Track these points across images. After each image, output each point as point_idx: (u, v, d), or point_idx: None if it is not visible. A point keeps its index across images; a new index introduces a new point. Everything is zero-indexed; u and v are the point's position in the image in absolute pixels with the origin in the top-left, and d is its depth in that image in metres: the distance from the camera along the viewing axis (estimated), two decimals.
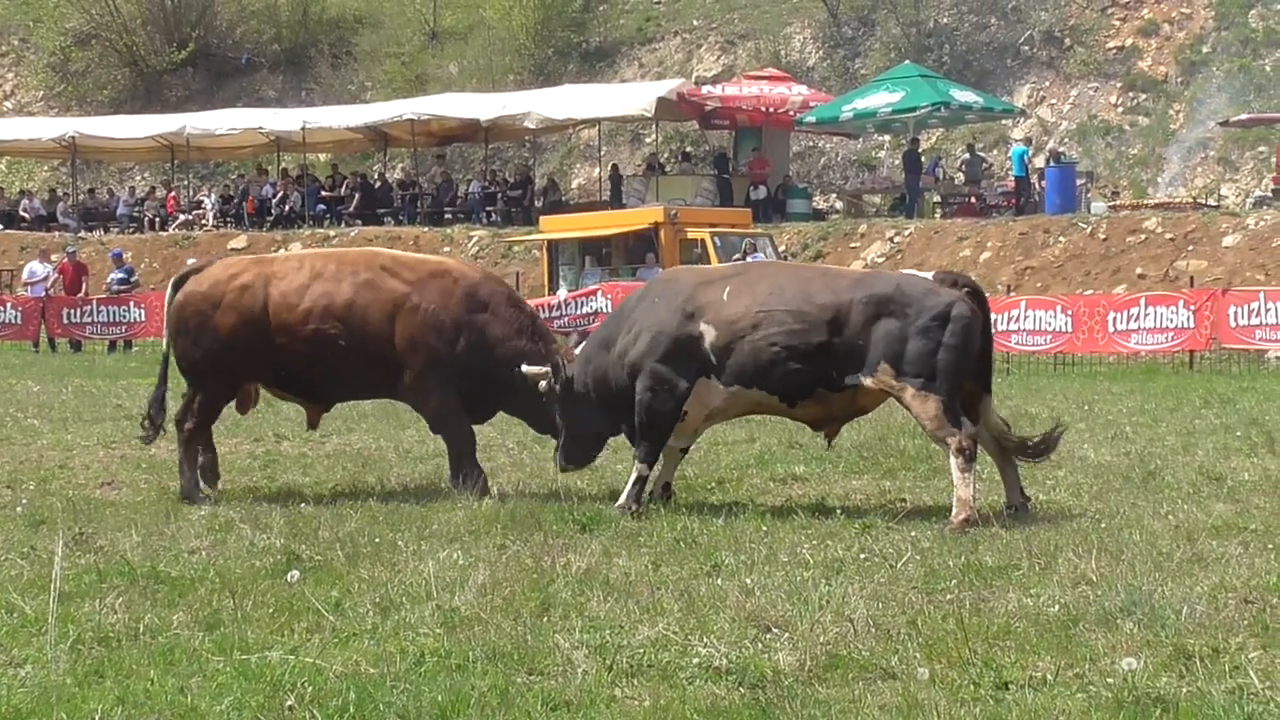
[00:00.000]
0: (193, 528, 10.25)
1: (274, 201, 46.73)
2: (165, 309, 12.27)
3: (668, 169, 45.68)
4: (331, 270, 11.88)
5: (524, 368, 11.42)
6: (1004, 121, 45.01)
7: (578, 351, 11.67)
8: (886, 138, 46.19)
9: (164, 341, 12.42)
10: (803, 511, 10.52)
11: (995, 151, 45.48)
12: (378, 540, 9.58)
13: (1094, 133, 44.78)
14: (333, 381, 12.02)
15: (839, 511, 10.51)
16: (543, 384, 11.35)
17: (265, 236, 44.31)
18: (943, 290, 10.50)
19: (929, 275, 10.86)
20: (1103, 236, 33.28)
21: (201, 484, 12.00)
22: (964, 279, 10.96)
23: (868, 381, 10.41)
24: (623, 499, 10.86)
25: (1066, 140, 44.74)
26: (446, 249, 40.26)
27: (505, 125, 45.18)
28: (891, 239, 36.07)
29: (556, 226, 36.36)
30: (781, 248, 34.83)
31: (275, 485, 12.55)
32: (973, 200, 40.05)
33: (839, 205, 45.28)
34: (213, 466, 12.35)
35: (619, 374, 11.00)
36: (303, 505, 11.12)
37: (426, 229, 43.22)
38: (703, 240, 33.11)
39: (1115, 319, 27.17)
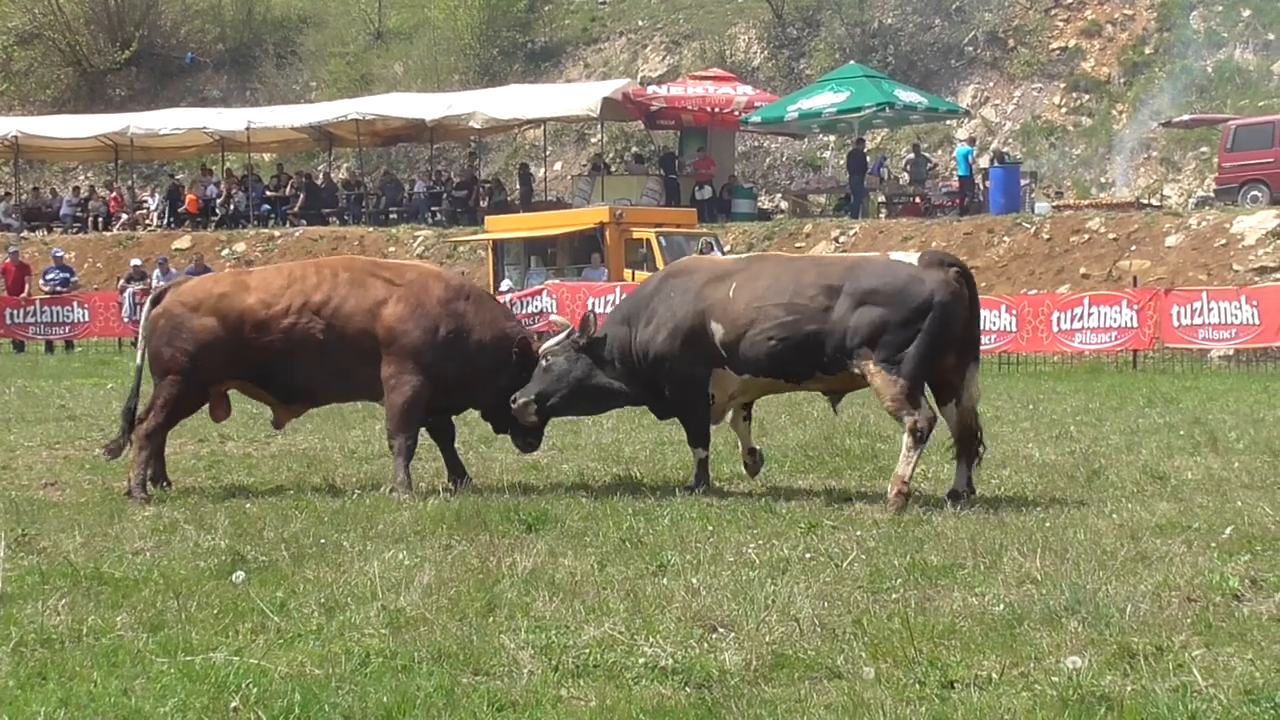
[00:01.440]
0: (137, 529, 10.17)
1: (218, 201, 46.51)
2: (142, 322, 12.34)
3: (613, 169, 45.67)
4: (311, 273, 12.12)
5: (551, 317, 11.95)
6: (948, 122, 45.25)
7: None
8: (831, 138, 46.38)
9: (138, 355, 12.50)
10: (749, 511, 10.53)
11: (940, 152, 45.72)
12: (323, 541, 9.53)
13: (1038, 133, 45.08)
14: (313, 380, 12.13)
15: (785, 511, 10.53)
16: (560, 340, 11.93)
17: (210, 236, 44.12)
18: (927, 275, 10.90)
19: (914, 257, 11.29)
20: (1047, 236, 33.48)
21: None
22: (950, 258, 11.32)
23: (855, 368, 10.98)
24: (692, 482, 11.72)
25: (1010, 140, 45.02)
26: (391, 249, 40.17)
27: (450, 125, 45.12)
28: (836, 239, 36.19)
29: (502, 226, 36.33)
30: (727, 247, 34.87)
31: (220, 486, 12.47)
32: (917, 200, 40.23)
33: (784, 205, 45.42)
34: (159, 475, 12.34)
35: (640, 358, 11.75)
36: (247, 506, 11.05)
37: (371, 229, 43.11)
38: (648, 240, 33.17)
39: (1060, 318, 27.35)
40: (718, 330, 11.39)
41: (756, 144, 48.83)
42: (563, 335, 12.09)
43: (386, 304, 11.89)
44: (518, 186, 46.03)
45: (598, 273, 32.88)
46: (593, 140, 49.52)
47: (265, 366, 12.04)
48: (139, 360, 12.45)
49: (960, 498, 10.92)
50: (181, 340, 12.02)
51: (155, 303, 12.32)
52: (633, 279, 31.57)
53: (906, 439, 10.71)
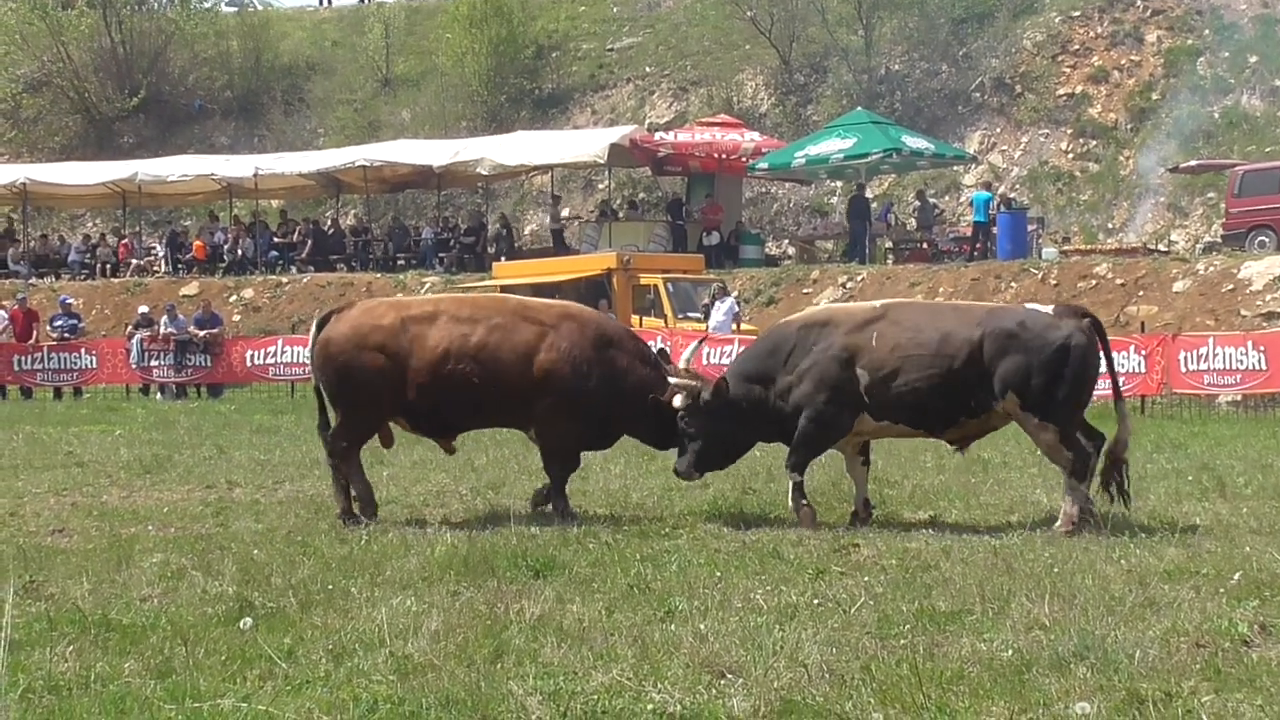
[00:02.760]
0: (144, 575, 10.18)
1: (226, 248, 46.64)
2: (310, 348, 13.19)
3: (621, 215, 45.81)
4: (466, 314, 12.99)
5: (673, 381, 12.72)
6: (955, 168, 45.35)
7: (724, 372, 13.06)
8: (839, 184, 46.47)
9: (313, 380, 13.46)
10: (756, 558, 10.54)
11: (947, 197, 45.79)
12: (330, 587, 9.54)
13: (1045, 179, 45.16)
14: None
15: (792, 557, 10.54)
16: (680, 399, 12.59)
17: (217, 283, 44.22)
18: (1063, 323, 12.06)
19: (1049, 309, 12.37)
20: (1054, 282, 33.49)
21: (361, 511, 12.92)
22: (1083, 310, 12.53)
23: (998, 407, 12.00)
24: (794, 504, 12.42)
25: (1018, 186, 45.10)
26: (400, 294, 40.22)
27: (458, 171, 45.27)
28: (844, 284, 36.24)
29: (510, 272, 36.43)
30: (735, 293, 34.93)
31: (228, 532, 12.48)
32: (924, 246, 40.28)
33: (791, 251, 45.49)
34: (368, 498, 13.14)
35: (778, 403, 12.45)
36: (255, 552, 11.07)
37: (379, 275, 43.20)
38: (656, 286, 33.23)
39: None
40: (863, 377, 12.18)
41: (764, 190, 48.94)
42: (689, 395, 12.64)
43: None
44: (533, 228, 46.03)
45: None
46: (600, 186, 49.65)
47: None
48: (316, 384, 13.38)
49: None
50: None
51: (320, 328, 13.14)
52: (640, 325, 31.63)
53: (1067, 480, 11.94)
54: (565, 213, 47.78)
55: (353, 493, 13.01)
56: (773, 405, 12.49)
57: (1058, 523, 11.80)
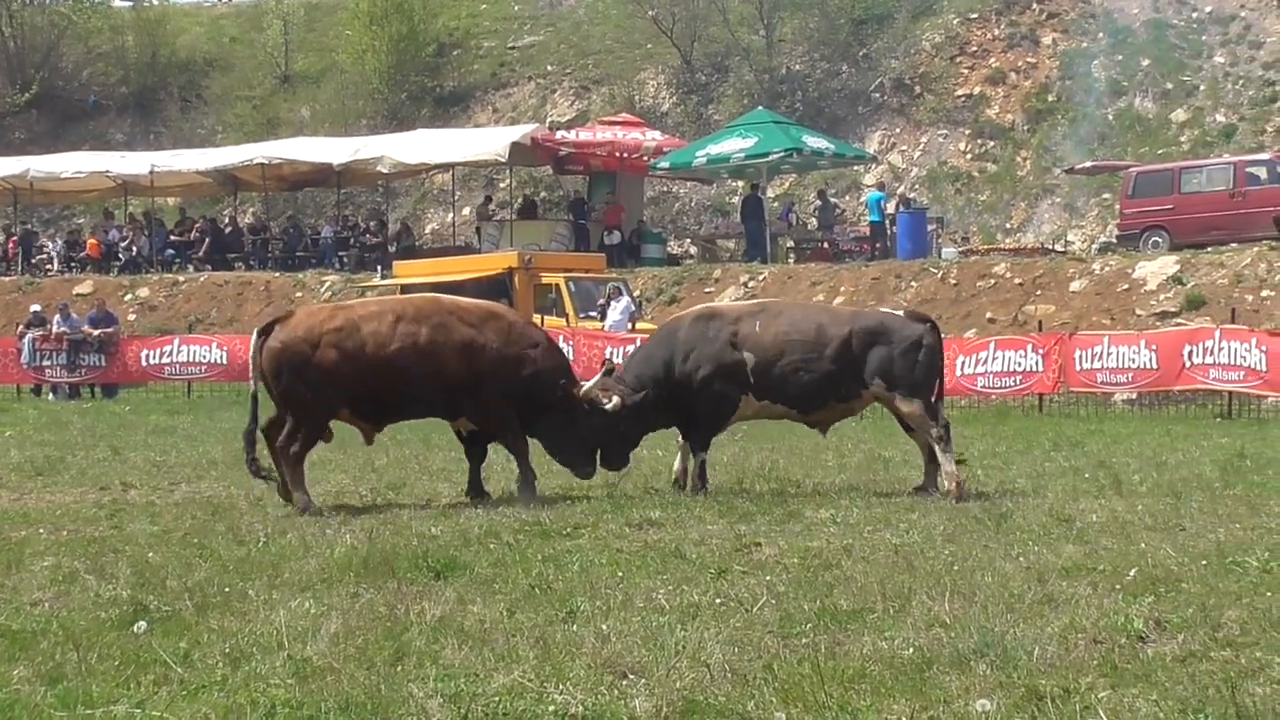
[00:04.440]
0: (35, 579, 10.02)
1: (121, 246, 46.09)
2: (253, 356, 13.89)
3: (519, 213, 45.72)
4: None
5: (589, 391, 14.19)
6: (856, 168, 45.62)
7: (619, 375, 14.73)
8: (740, 183, 46.61)
9: (252, 383, 13.95)
10: (658, 557, 10.52)
11: (847, 197, 46.06)
12: (227, 589, 9.43)
13: (944, 179, 45.54)
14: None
15: (695, 556, 10.53)
16: (613, 403, 14.18)
17: (112, 281, 43.69)
18: (914, 323, 14.35)
19: (901, 312, 15.21)
20: (954, 281, 33.76)
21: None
22: (926, 316, 14.95)
23: (864, 394, 14.25)
24: (697, 484, 14.24)
25: (917, 186, 45.44)
26: (299, 294, 39.95)
27: (358, 170, 45.00)
28: (745, 284, 36.34)
29: (409, 271, 36.24)
30: (636, 292, 34.94)
31: (122, 534, 12.31)
32: (825, 245, 40.48)
33: (693, 250, 45.59)
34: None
35: (678, 389, 14.29)
36: (150, 554, 10.92)
37: (278, 274, 42.85)
38: (557, 285, 33.19)
39: (965, 362, 27.54)
40: (749, 359, 14.22)
41: (665, 189, 49.03)
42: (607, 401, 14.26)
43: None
44: (433, 226, 45.85)
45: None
46: (501, 185, 49.54)
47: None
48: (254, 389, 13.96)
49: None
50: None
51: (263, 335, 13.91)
52: (541, 324, 31.56)
53: (938, 445, 13.97)
54: (492, 207, 47.48)
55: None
56: (672, 392, 14.28)
57: (944, 483, 13.85)
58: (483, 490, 14.28)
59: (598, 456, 14.43)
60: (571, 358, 29.10)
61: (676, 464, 14.74)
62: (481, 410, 14.08)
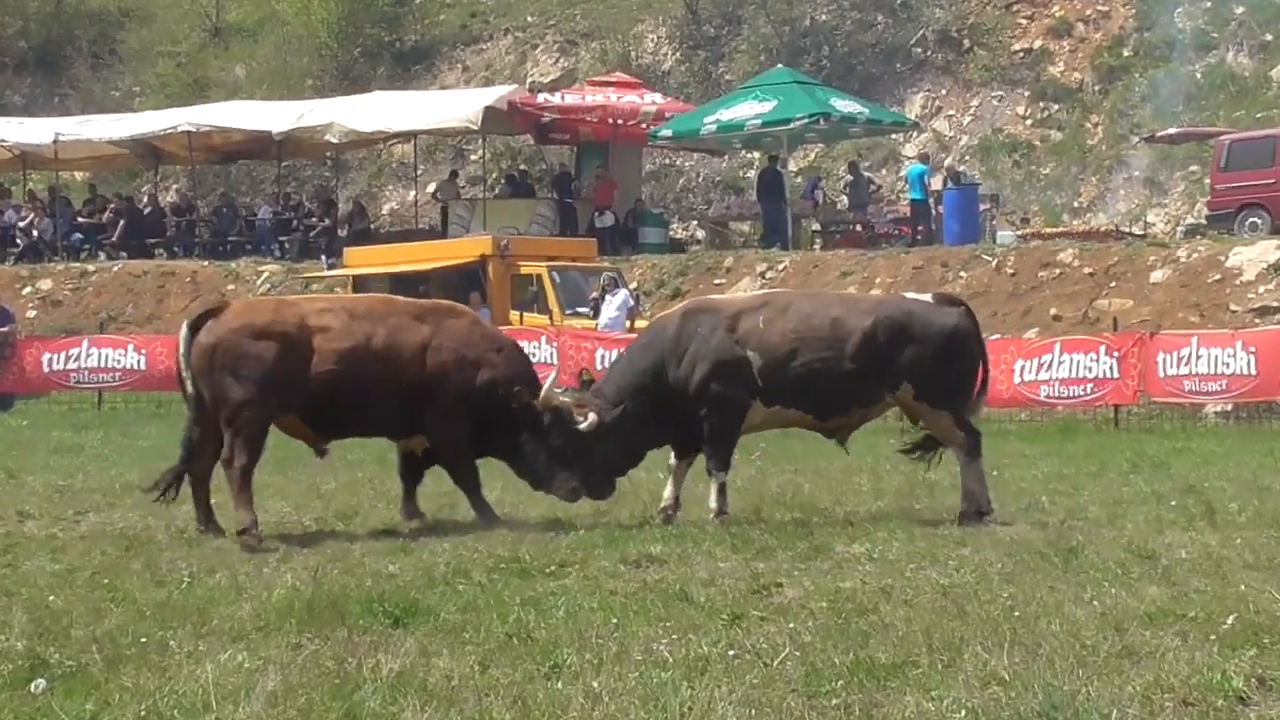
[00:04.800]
0: None
1: (19, 230, 46.06)
2: (182, 356, 14.29)
3: (497, 191, 45.72)
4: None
5: (549, 397, 14.65)
6: (894, 136, 45.61)
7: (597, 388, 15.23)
8: (755, 155, 46.59)
9: (188, 383, 14.34)
10: (660, 600, 10.48)
11: (884, 171, 46.04)
12: (144, 640, 9.38)
13: (999, 149, 45.52)
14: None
15: (703, 599, 10.49)
16: (589, 420, 14.43)
17: (8, 271, 43.68)
18: (947, 310, 14.63)
19: (928, 297, 15.18)
20: (1011, 271, 33.75)
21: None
22: (958, 298, 15.33)
23: (889, 398, 14.56)
24: (714, 508, 14.50)
25: (967, 158, 45.40)
26: (231, 287, 39.94)
27: (303, 139, 45.03)
28: (763, 274, 36.35)
29: (363, 260, 36.27)
30: (633, 285, 34.94)
31: (18, 574, 12.26)
32: (858, 228, 40.50)
33: (701, 235, 45.64)
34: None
35: (672, 399, 14.52)
36: (51, 598, 10.88)
37: (206, 263, 42.88)
38: (539, 276, 33.21)
39: (1024, 367, 27.51)
40: (755, 359, 14.44)
41: (668, 162, 49.06)
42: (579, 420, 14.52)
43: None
44: (392, 206, 45.88)
45: (479, 313, 32.83)
46: (472, 158, 49.56)
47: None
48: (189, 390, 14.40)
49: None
50: None
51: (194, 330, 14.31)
52: (520, 322, 31.58)
53: (961, 458, 14.51)
54: (461, 184, 47.50)
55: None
56: (663, 403, 14.55)
57: (961, 503, 14.39)
58: (416, 510, 14.98)
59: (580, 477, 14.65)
60: (556, 362, 29.16)
61: (667, 492, 14.88)
62: (438, 423, 14.55)
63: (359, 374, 14.20)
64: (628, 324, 30.79)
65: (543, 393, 14.59)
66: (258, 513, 14.04)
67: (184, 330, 14.34)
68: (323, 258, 40.03)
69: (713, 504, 14.51)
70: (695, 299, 16.77)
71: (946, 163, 43.97)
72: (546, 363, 28.62)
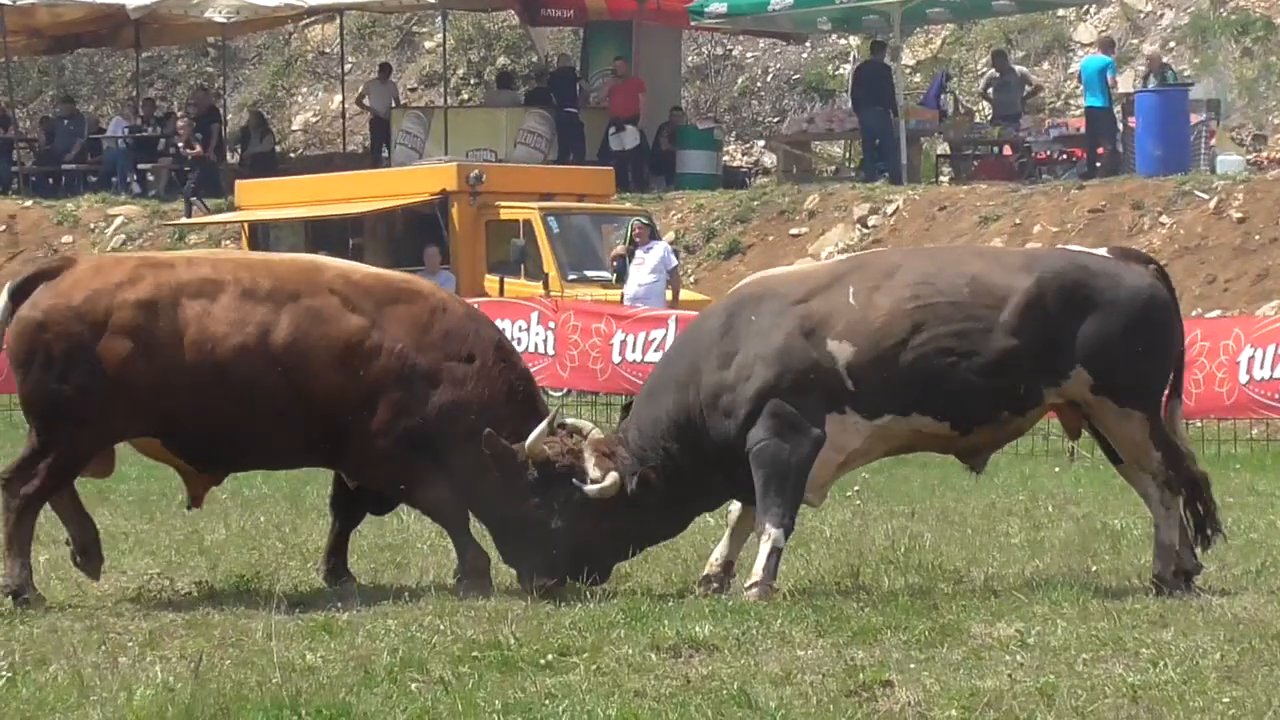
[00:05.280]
0: None
1: None
2: None
3: (464, 96, 45.75)
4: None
5: (593, 477, 14.16)
6: (1060, 13, 45.53)
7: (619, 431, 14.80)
8: (852, 41, 46.60)
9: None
10: (709, 704, 10.55)
11: (1046, 65, 45.97)
12: None
13: (1220, 30, 45.35)
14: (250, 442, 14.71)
15: (773, 704, 10.56)
16: (606, 481, 14.10)
17: None
18: (1134, 269, 14.41)
19: (1103, 251, 14.99)
20: (1237, 215, 33.72)
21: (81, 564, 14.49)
22: (1145, 254, 15.25)
23: (1053, 395, 14.24)
24: (758, 575, 13.98)
25: (1172, 47, 45.30)
26: (67, 239, 40.08)
27: (171, 18, 45.09)
28: (863, 221, 36.37)
29: (266, 199, 36.35)
30: (669, 236, 34.96)
31: None
32: (1006, 151, 40.45)
33: (770, 161, 45.59)
34: (93, 541, 14.63)
35: (717, 428, 14.19)
36: None
37: (29, 202, 42.99)
38: (528, 222, 33.16)
39: (1256, 360, 27.34)
40: (842, 352, 14.03)
41: (720, 52, 49.05)
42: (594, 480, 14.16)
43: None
44: (306, 118, 45.98)
45: (438, 278, 32.88)
46: (427, 46, 49.59)
47: None
48: None
49: (1158, 580, 14.16)
50: None
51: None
52: (500, 293, 31.61)
53: (1159, 495, 14.14)
54: (408, 84, 47.61)
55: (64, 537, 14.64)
56: (706, 445, 14.27)
57: (1154, 562, 14.26)
58: (345, 570, 14.96)
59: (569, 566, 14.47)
60: (553, 352, 29.21)
61: (717, 552, 14.79)
62: (368, 457, 14.55)
63: (250, 383, 14.21)
64: (668, 294, 30.72)
65: (529, 441, 14.19)
66: (114, 574, 14.14)
67: (2, 298, 14.35)
68: (194, 199, 40.15)
69: (757, 571, 14.03)
70: (753, 278, 16.29)
71: (1142, 52, 43.86)
72: (537, 353, 28.62)
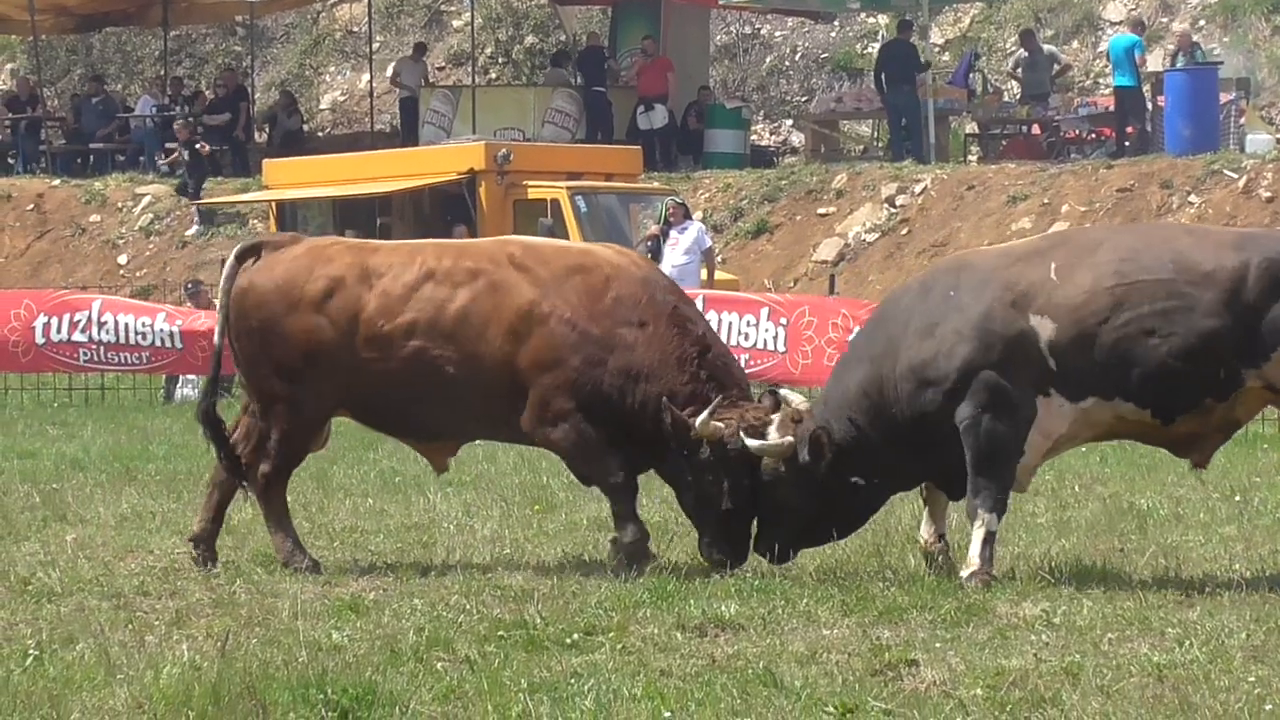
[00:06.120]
0: None
1: None
2: (221, 290, 15.37)
3: (492, 75, 45.72)
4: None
5: (746, 438, 14.09)
6: None
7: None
8: (881, 19, 46.53)
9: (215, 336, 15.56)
10: (735, 683, 10.55)
11: (1075, 44, 45.88)
12: None
13: (1252, 8, 45.21)
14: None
15: (798, 683, 10.55)
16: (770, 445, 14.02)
17: None
18: None
19: None
20: (1266, 194, 33.64)
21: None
22: None
23: (1252, 379, 13.63)
24: (974, 564, 13.71)
25: (1202, 25, 45.19)
26: (94, 217, 40.08)
27: None
28: (890, 200, 36.32)
29: (294, 178, 36.36)
30: (697, 215, 34.94)
31: None
32: (1034, 130, 40.40)
33: (798, 140, 45.57)
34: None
35: (916, 400, 13.85)
36: None
37: (56, 181, 42.97)
38: (555, 201, 33.15)
39: None
40: (1045, 327, 13.64)
41: (749, 30, 48.98)
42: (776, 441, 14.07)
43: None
44: (335, 97, 46.01)
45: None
46: (455, 25, 49.56)
47: None
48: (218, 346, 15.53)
49: None
50: None
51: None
52: None
53: None
54: (436, 64, 47.59)
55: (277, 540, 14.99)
56: (898, 421, 13.97)
57: None
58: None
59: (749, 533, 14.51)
60: None
61: (924, 528, 14.66)
62: (544, 423, 14.80)
63: (429, 356, 14.76)
64: (703, 274, 30.71)
65: (698, 420, 14.11)
66: (140, 550, 14.17)
67: (230, 261, 15.02)
68: (190, 181, 40.15)
69: (974, 558, 13.77)
70: (952, 254, 16.01)
71: (1170, 31, 43.77)
72: None
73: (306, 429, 15.09)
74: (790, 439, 13.90)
